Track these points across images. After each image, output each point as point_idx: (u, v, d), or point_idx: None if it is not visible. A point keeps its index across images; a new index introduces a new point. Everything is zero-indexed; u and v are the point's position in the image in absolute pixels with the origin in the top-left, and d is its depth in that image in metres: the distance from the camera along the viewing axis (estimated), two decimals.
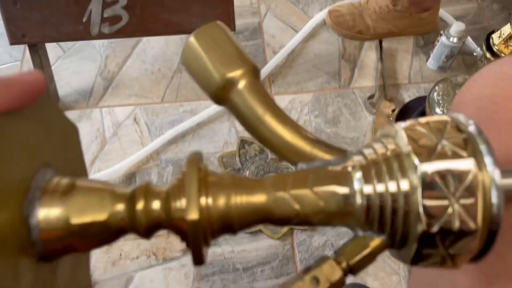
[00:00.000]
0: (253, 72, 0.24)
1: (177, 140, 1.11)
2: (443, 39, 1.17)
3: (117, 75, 1.22)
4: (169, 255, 0.97)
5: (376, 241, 0.22)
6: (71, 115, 1.16)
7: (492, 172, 0.19)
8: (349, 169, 0.21)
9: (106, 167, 1.07)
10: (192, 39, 0.24)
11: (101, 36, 1.05)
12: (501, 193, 0.18)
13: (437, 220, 0.19)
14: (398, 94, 1.23)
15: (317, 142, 0.23)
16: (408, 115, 1.18)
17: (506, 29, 0.80)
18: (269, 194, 0.22)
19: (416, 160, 0.19)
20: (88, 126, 1.14)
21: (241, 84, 0.23)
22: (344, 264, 0.21)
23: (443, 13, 1.34)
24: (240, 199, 0.22)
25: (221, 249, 0.98)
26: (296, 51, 1.28)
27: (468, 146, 0.19)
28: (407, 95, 1.23)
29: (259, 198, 0.22)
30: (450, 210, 0.19)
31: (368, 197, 0.20)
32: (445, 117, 0.21)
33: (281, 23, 1.35)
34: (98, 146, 1.11)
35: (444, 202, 0.19)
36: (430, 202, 0.19)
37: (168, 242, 0.99)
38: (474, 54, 1.28)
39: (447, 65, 1.24)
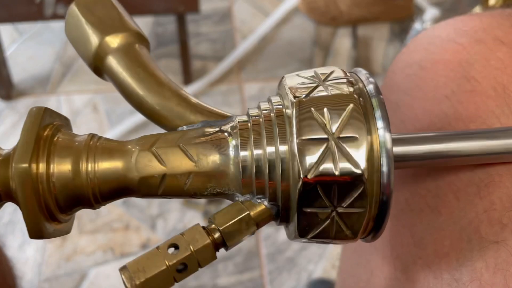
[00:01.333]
0: (136, 37, 0.21)
1: (138, 129, 1.05)
2: (416, 26, 1.13)
3: (77, 61, 1.16)
4: (126, 250, 0.92)
5: (256, 206, 0.17)
6: (25, 102, 1.09)
7: (383, 137, 0.16)
8: (226, 134, 0.18)
9: None
10: (73, 5, 0.21)
11: (55, 17, 0.98)
12: (391, 158, 0.16)
13: (314, 227, 0.16)
14: None
15: (199, 106, 0.20)
16: None
17: (475, 11, 0.77)
18: (130, 153, 0.17)
19: (298, 163, 0.16)
20: None
21: (118, 49, 0.20)
22: (212, 229, 0.17)
23: None
24: (92, 165, 0.17)
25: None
26: (267, 37, 1.23)
27: (364, 118, 0.16)
28: (381, 83, 1.19)
29: (117, 163, 0.17)
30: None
31: (243, 161, 0.17)
32: (346, 89, 0.17)
33: (253, 8, 1.29)
34: None
35: (324, 212, 0.16)
36: (309, 210, 0.16)
37: (126, 236, 0.94)
38: None
39: None
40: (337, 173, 0.15)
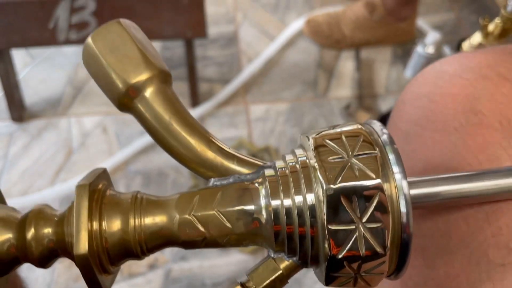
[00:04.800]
0: (161, 76, 0.21)
1: (147, 151, 1.07)
2: (418, 49, 1.16)
3: (87, 84, 1.19)
4: (134, 270, 0.93)
5: (287, 263, 0.20)
6: (37, 124, 1.12)
7: (400, 181, 0.18)
8: (257, 184, 0.20)
9: (72, 177, 1.03)
10: (89, 41, 0.21)
11: (68, 42, 1.02)
12: (409, 201, 0.17)
13: (344, 245, 0.17)
14: (375, 104, 1.22)
15: (230, 154, 0.21)
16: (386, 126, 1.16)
17: (475, 38, 0.79)
18: (172, 216, 0.19)
19: (322, 181, 0.18)
20: (55, 136, 1.10)
21: (146, 91, 0.21)
22: None
23: (421, 23, 1.33)
24: (139, 222, 0.19)
25: (189, 263, 0.94)
26: (272, 60, 1.26)
27: (378, 163, 0.18)
28: (384, 105, 1.21)
29: (161, 221, 0.19)
30: (356, 234, 0.17)
31: (275, 213, 0.19)
32: (359, 128, 0.19)
33: (258, 31, 1.33)
34: (64, 157, 1.07)
35: (351, 227, 0.17)
36: (335, 227, 0.17)
37: None
38: None
39: None
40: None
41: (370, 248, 0.17)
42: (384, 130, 0.19)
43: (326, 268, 0.18)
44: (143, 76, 0.20)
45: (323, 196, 0.18)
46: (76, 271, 0.93)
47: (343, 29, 1.26)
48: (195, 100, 1.15)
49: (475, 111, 0.24)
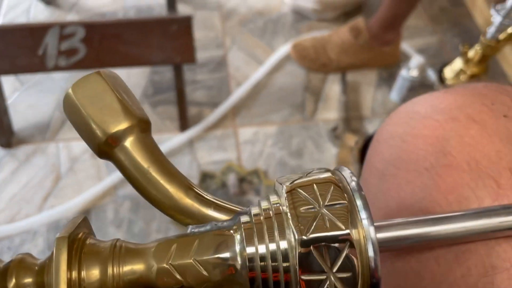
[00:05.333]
0: (140, 125, 0.22)
1: None
2: (403, 72, 1.18)
3: None
4: None
5: None
6: (25, 149, 1.12)
7: (367, 227, 0.18)
8: (232, 231, 0.20)
9: (60, 203, 1.03)
10: (69, 92, 0.22)
11: (57, 68, 1.03)
12: (376, 246, 0.18)
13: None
14: (361, 126, 1.23)
15: (207, 201, 0.22)
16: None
17: (456, 64, 0.81)
18: (150, 265, 0.20)
19: (294, 232, 0.18)
20: (43, 161, 1.10)
21: (125, 140, 0.21)
22: None
23: (405, 46, 1.36)
24: (117, 271, 0.20)
25: None
26: (260, 84, 1.28)
27: (348, 211, 0.19)
28: (371, 127, 1.23)
29: (139, 270, 0.20)
30: (327, 284, 0.18)
31: (250, 259, 0.19)
32: (329, 177, 0.20)
33: (246, 56, 1.35)
34: (52, 182, 1.07)
35: (321, 276, 0.18)
36: (308, 276, 0.18)
37: None
38: (435, 87, 1.30)
39: (409, 98, 1.25)
40: (328, 234, 0.18)
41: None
42: (353, 178, 0.20)
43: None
44: (122, 126, 0.21)
45: (295, 248, 0.18)
46: None
47: (329, 53, 1.28)
48: (184, 124, 1.15)
49: (444, 152, 0.25)
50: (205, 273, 0.20)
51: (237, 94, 1.23)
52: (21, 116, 1.17)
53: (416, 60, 1.16)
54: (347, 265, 0.18)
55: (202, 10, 1.44)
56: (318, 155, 1.17)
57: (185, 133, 1.15)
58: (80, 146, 1.13)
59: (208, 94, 1.25)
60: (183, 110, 1.14)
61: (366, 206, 0.19)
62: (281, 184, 0.21)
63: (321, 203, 0.19)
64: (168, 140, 1.11)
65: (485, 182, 0.23)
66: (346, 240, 0.18)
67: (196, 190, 0.22)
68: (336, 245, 0.18)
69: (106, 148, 0.21)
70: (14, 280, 0.19)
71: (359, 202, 0.19)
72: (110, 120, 0.21)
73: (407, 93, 1.23)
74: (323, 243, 0.18)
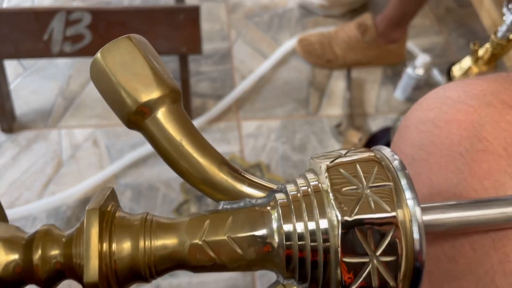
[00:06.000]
0: (171, 96, 0.21)
1: (138, 164, 1.07)
2: (409, 70, 1.18)
3: (79, 96, 1.18)
4: None
5: None
6: (27, 135, 1.11)
7: (413, 208, 0.18)
8: (268, 208, 0.19)
9: (60, 190, 1.02)
10: (98, 56, 0.20)
11: (62, 54, 1.02)
12: (422, 228, 0.18)
13: (356, 277, 0.17)
14: (365, 123, 1.23)
15: (241, 177, 0.21)
16: (375, 145, 1.17)
17: (466, 62, 0.81)
18: (182, 241, 0.19)
19: (337, 213, 0.18)
20: (44, 148, 1.09)
21: (157, 110, 0.20)
22: None
23: (411, 45, 1.36)
24: (149, 245, 0.19)
25: (178, 280, 0.93)
26: (265, 77, 1.27)
27: (393, 193, 0.18)
28: (374, 125, 1.23)
29: (171, 245, 0.19)
30: (369, 267, 0.17)
31: (287, 237, 0.19)
32: (371, 156, 0.19)
33: (251, 49, 1.34)
34: (53, 169, 1.06)
35: (364, 259, 0.17)
36: (349, 259, 0.18)
37: None
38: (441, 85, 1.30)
39: (413, 96, 1.25)
40: (374, 216, 0.18)
41: (383, 281, 0.18)
42: (395, 156, 0.20)
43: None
44: (154, 95, 0.20)
45: (338, 228, 0.18)
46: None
47: (335, 49, 1.28)
48: (188, 115, 1.14)
49: (480, 137, 0.24)
50: (239, 250, 0.19)
51: (241, 87, 1.22)
52: (23, 101, 1.16)
53: (422, 59, 1.16)
54: (391, 249, 0.18)
55: (208, 2, 1.43)
56: (321, 150, 1.17)
57: None
58: (82, 133, 1.12)
59: (212, 86, 1.25)
60: (187, 101, 1.14)
61: (412, 186, 0.18)
62: (319, 162, 0.20)
63: (365, 183, 0.18)
64: None
65: None
66: (391, 222, 0.18)
67: (230, 165, 0.21)
68: (381, 227, 0.18)
69: (136, 118, 0.21)
70: (40, 252, 0.19)
71: (403, 182, 0.18)
72: (141, 89, 0.20)
73: (412, 92, 1.23)
74: (367, 225, 0.18)
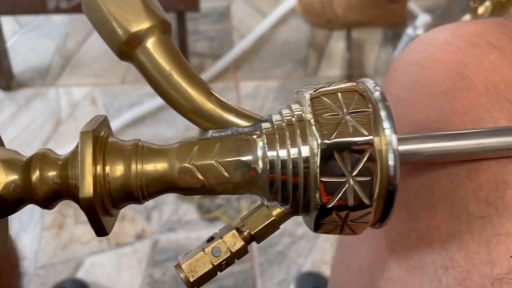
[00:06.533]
0: (161, 27, 0.21)
1: (136, 123, 1.07)
2: (409, 31, 1.17)
3: (77, 54, 1.18)
4: (122, 240, 0.94)
5: (279, 211, 0.21)
6: (25, 93, 1.11)
7: (390, 136, 0.19)
8: (254, 136, 0.20)
9: (60, 147, 1.03)
10: None
11: (58, 10, 1.00)
12: (397, 155, 0.18)
13: (334, 196, 0.19)
14: None
15: (229, 107, 0.22)
16: None
17: (465, 19, 0.80)
18: (172, 164, 0.20)
19: (317, 136, 0.19)
20: (43, 106, 1.09)
21: (147, 40, 0.21)
22: (246, 234, 0.21)
23: (412, 6, 1.34)
24: (141, 168, 0.20)
25: (176, 235, 0.96)
26: (264, 37, 1.26)
27: (371, 119, 0.19)
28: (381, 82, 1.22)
29: (162, 168, 0.20)
30: (345, 186, 0.19)
31: (271, 163, 0.20)
32: (353, 86, 0.20)
33: (250, 8, 1.32)
34: (52, 127, 1.07)
35: (341, 179, 0.19)
36: (327, 179, 0.19)
37: (121, 227, 0.96)
38: None
39: None
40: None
41: (358, 199, 0.19)
42: (377, 88, 0.20)
43: (316, 216, 0.19)
44: (144, 25, 0.21)
45: (317, 150, 0.19)
46: (63, 239, 0.94)
47: (336, 8, 1.26)
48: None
49: (463, 76, 0.25)
50: (226, 174, 0.20)
51: (240, 46, 1.21)
52: (20, 59, 1.15)
53: (423, 19, 1.15)
54: (367, 170, 0.19)
55: None
56: None
57: None
58: (80, 92, 1.12)
59: (210, 45, 1.24)
60: None
61: (390, 116, 0.19)
62: (304, 92, 0.21)
63: (345, 110, 0.19)
64: None
65: (501, 104, 0.23)
66: (368, 146, 0.18)
67: (218, 95, 0.22)
68: (358, 150, 0.18)
69: (127, 48, 0.21)
70: (38, 173, 0.20)
71: (383, 112, 0.19)
72: (131, 18, 0.21)
73: None
74: (345, 148, 0.18)
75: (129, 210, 0.97)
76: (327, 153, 0.18)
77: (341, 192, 0.19)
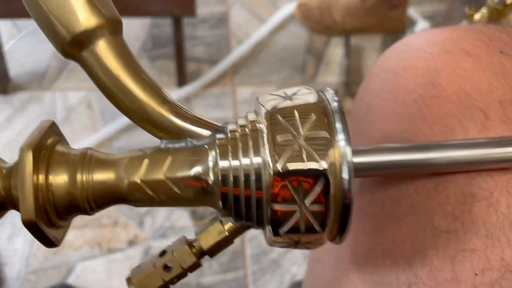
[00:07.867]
0: (109, 27, 0.20)
1: (131, 128, 1.07)
2: None
3: None
4: (114, 246, 0.94)
5: (233, 226, 0.20)
6: (21, 96, 1.11)
7: (344, 148, 0.18)
8: (207, 147, 0.19)
9: None
10: None
11: None
12: (351, 168, 0.18)
13: (285, 223, 0.18)
14: None
15: (185, 115, 0.21)
16: None
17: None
18: (121, 177, 0.19)
19: (269, 161, 0.18)
20: (38, 110, 1.09)
21: (93, 42, 0.20)
22: (198, 249, 0.20)
23: (412, 12, 1.33)
24: (87, 179, 0.19)
25: (168, 241, 0.95)
26: (262, 43, 1.25)
27: (327, 143, 0.18)
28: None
29: (109, 181, 0.19)
30: (298, 215, 0.18)
31: (222, 174, 0.19)
32: (311, 104, 0.19)
33: (249, 13, 1.32)
34: None
35: (293, 207, 0.18)
36: (279, 206, 0.18)
37: (114, 232, 0.95)
38: None
39: None
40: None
41: (310, 227, 0.18)
42: (335, 98, 0.19)
43: (271, 234, 0.19)
44: (88, 26, 0.19)
45: (269, 176, 0.18)
46: None
47: (334, 15, 1.25)
48: (182, 80, 1.14)
49: (434, 83, 0.24)
50: (177, 190, 0.19)
51: (237, 52, 1.20)
52: (17, 63, 1.15)
53: (421, 25, 1.14)
54: (320, 199, 0.18)
55: None
56: None
57: (183, 89, 1.13)
58: (76, 96, 1.12)
59: (207, 50, 1.23)
60: (182, 65, 1.13)
61: (345, 129, 0.18)
62: (262, 103, 0.20)
63: (301, 132, 0.18)
64: None
65: (473, 114, 0.22)
66: (321, 174, 0.18)
67: (172, 102, 0.21)
68: (310, 178, 0.18)
69: (72, 49, 0.20)
70: None
71: (338, 124, 0.18)
72: (73, 18, 0.19)
73: None
74: (296, 176, 0.18)
75: (121, 216, 0.96)
76: (279, 179, 0.18)
77: (293, 220, 0.18)
